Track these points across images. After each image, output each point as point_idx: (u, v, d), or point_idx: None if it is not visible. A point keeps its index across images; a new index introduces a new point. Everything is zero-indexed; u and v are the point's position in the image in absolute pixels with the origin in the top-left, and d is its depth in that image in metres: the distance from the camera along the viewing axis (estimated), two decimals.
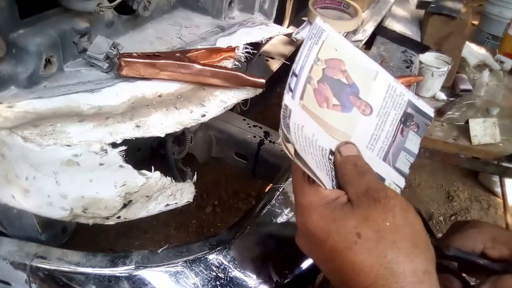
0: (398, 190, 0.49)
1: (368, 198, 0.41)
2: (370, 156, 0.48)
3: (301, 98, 0.45)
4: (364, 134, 0.48)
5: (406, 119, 0.50)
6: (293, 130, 0.44)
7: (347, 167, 0.45)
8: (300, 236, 0.45)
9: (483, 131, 1.46)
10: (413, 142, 0.50)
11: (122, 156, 0.51)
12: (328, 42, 0.46)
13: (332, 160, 0.46)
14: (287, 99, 0.44)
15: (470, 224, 0.53)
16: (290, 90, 0.45)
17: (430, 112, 0.52)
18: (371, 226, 0.39)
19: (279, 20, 1.19)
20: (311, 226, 0.41)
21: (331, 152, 0.46)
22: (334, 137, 0.47)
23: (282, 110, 0.44)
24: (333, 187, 0.45)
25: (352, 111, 0.47)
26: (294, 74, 0.45)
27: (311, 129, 0.45)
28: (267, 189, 0.73)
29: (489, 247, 0.49)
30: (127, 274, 0.55)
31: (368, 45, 1.31)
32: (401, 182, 0.50)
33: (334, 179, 0.45)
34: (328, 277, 0.43)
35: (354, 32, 1.13)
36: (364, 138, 0.48)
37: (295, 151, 0.42)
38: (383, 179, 0.49)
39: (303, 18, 1.10)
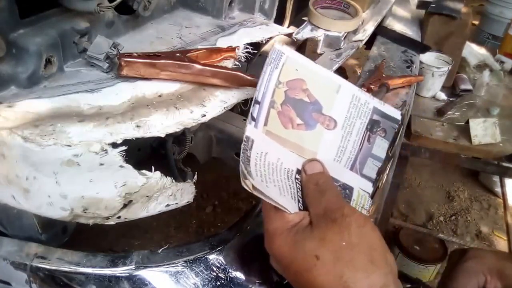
0: (367, 196, 0.50)
1: (325, 219, 0.42)
2: (338, 168, 0.49)
3: (265, 124, 0.46)
4: (330, 147, 0.49)
5: (372, 126, 0.50)
6: (254, 161, 0.45)
7: (309, 186, 0.46)
8: (271, 260, 0.47)
9: (484, 131, 1.46)
10: (381, 147, 0.51)
11: (122, 156, 0.51)
12: (288, 64, 0.47)
13: (299, 180, 0.47)
14: (249, 130, 0.46)
15: (469, 254, 0.53)
16: (253, 119, 0.46)
17: (397, 115, 0.52)
18: (329, 247, 0.40)
19: (279, 20, 1.19)
20: (276, 252, 0.43)
21: (298, 172, 0.47)
22: (301, 156, 0.48)
23: (243, 144, 0.45)
24: (299, 208, 0.46)
25: (316, 127, 0.48)
26: (257, 102, 0.46)
27: (275, 154, 0.46)
28: None
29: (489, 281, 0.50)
30: (127, 274, 0.55)
31: (368, 45, 1.30)
32: (369, 188, 0.50)
33: (300, 199, 0.46)
34: None
35: (355, 32, 1.13)
36: (330, 152, 0.49)
37: (253, 186, 0.44)
38: (351, 188, 0.49)
39: (303, 18, 1.09)
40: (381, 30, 1.34)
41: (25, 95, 0.57)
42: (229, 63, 0.73)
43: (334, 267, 0.39)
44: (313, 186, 0.45)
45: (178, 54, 0.66)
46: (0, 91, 0.57)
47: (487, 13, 2.83)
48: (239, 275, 0.55)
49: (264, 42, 0.85)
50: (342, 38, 1.06)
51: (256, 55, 1.12)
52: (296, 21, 1.29)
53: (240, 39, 0.81)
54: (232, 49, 0.74)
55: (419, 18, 1.63)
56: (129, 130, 0.54)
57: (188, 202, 0.61)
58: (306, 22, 1.07)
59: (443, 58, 1.59)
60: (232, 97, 0.66)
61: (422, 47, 1.34)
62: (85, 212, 0.53)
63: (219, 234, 0.61)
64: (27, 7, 0.59)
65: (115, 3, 0.63)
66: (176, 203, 0.60)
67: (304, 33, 1.05)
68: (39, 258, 0.58)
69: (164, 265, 0.55)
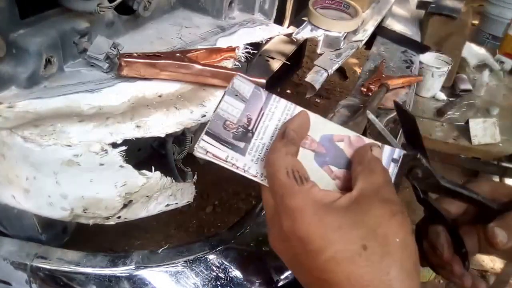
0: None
1: (382, 206, 0.37)
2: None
3: None
4: None
5: None
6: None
7: (366, 155, 0.41)
8: (280, 240, 0.40)
9: (483, 131, 1.46)
10: None
11: (123, 156, 0.51)
12: None
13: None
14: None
15: (467, 180, 0.50)
16: None
17: None
18: (379, 241, 0.36)
19: (279, 20, 1.19)
20: (305, 233, 0.36)
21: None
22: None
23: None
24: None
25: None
26: None
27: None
28: None
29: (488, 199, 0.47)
30: (128, 274, 0.55)
31: (368, 45, 1.31)
32: None
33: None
34: (307, 286, 0.39)
35: (354, 32, 1.13)
36: None
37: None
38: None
39: (303, 18, 1.10)
40: (381, 30, 1.34)
41: (25, 95, 0.57)
42: (229, 63, 0.73)
43: (381, 262, 0.35)
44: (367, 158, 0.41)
45: (178, 54, 0.66)
46: (0, 91, 0.57)
47: (487, 13, 2.83)
48: (239, 275, 0.55)
49: (264, 42, 0.85)
50: (342, 38, 1.06)
51: (256, 55, 1.12)
52: (296, 21, 1.29)
53: (240, 39, 0.81)
54: (232, 49, 0.74)
55: (419, 18, 1.63)
56: (129, 130, 0.54)
57: (188, 202, 0.61)
58: (306, 22, 1.07)
59: (442, 58, 1.59)
60: None
61: (421, 47, 1.35)
62: (85, 212, 0.53)
63: (219, 234, 0.61)
64: (27, 7, 0.59)
65: (115, 3, 0.63)
66: (176, 203, 0.60)
67: (304, 33, 1.05)
68: (39, 258, 0.58)
69: (164, 265, 0.55)
